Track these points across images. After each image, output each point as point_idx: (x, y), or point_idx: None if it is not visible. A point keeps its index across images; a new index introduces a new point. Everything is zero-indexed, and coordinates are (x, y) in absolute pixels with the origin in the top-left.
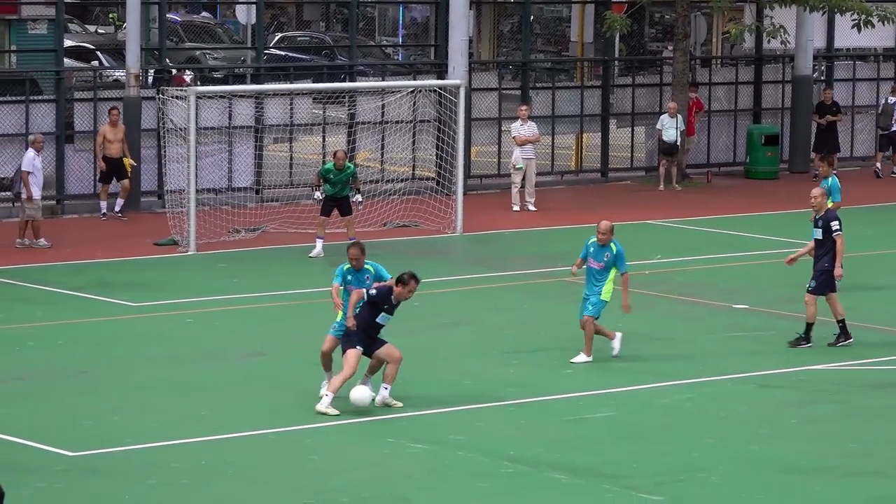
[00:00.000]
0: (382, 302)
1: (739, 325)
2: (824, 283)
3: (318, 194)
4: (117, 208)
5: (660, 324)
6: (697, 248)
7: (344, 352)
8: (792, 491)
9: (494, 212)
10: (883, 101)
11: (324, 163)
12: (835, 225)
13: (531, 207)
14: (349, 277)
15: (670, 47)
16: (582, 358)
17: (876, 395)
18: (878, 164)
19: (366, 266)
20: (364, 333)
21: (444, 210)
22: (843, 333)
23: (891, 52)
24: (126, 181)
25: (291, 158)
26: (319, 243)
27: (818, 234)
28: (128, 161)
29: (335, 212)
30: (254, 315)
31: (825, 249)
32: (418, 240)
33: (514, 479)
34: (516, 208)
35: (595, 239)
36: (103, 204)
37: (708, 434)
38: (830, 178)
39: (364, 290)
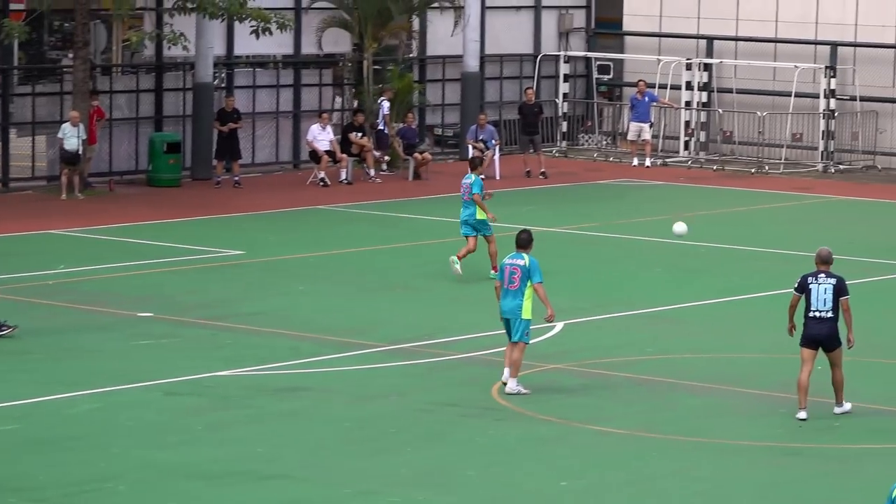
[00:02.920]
0: None
1: (145, 333)
2: None
3: None
4: None
5: (66, 336)
6: (102, 256)
7: None
8: (200, 497)
9: None
10: None
11: None
12: None
13: None
14: None
15: (70, 56)
16: None
17: (282, 399)
18: None
19: None
20: None
21: None
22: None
23: (290, 59)
24: None
25: None
26: None
27: None
28: None
29: None
30: None
31: None
32: None
33: None
34: None
35: None
36: None
37: (116, 443)
38: (473, 177)
39: None
